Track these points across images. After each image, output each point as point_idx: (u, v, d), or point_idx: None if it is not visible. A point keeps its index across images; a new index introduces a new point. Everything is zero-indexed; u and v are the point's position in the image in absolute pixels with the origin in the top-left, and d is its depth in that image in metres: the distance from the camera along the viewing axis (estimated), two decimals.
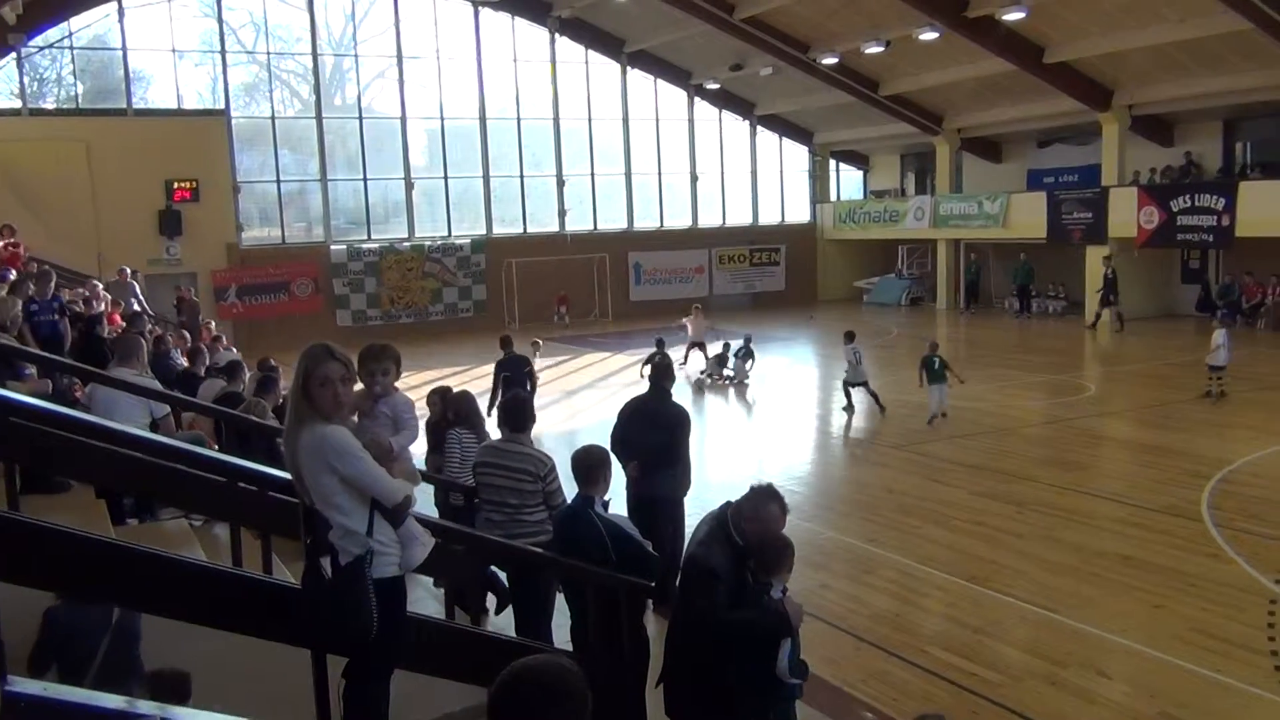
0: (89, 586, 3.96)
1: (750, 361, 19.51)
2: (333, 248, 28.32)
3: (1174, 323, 26.01)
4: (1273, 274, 24.11)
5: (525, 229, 31.31)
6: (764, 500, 4.86)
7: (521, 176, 31.25)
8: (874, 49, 26.24)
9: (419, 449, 9.15)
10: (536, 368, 18.00)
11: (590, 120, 32.16)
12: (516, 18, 30.45)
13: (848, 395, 16.33)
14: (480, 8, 29.47)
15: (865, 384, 16.08)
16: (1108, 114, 26.07)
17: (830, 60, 28.11)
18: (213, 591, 4.18)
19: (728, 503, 4.96)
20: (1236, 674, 6.69)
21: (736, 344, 19.58)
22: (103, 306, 13.70)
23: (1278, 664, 6.82)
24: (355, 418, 4.49)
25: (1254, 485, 11.23)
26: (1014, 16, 23.05)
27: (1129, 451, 13.58)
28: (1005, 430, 14.60)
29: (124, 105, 26.21)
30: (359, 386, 4.54)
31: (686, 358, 20.42)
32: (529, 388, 13.30)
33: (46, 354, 7.60)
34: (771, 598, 4.66)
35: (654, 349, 18.51)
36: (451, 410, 8.06)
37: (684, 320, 21.21)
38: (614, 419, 8.40)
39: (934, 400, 15.16)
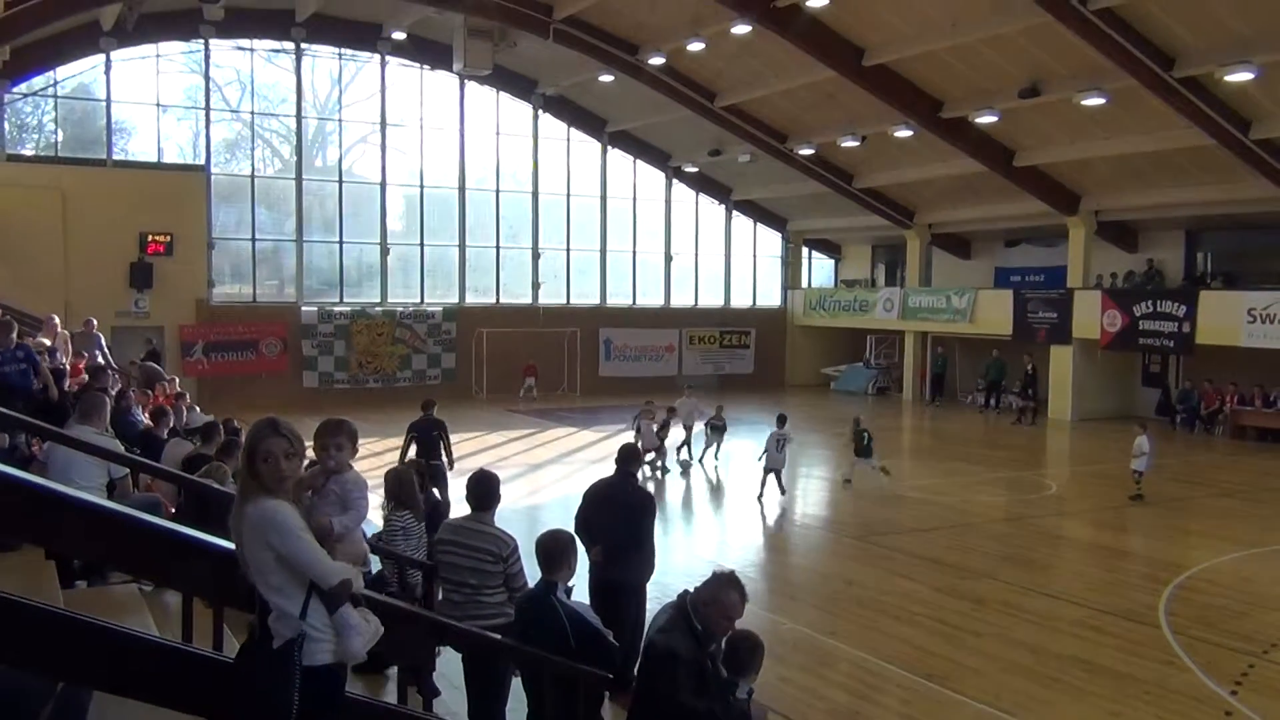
0: (18, 656, 3.85)
1: (718, 440, 19.35)
2: (304, 309, 28.21)
3: (1134, 425, 26.28)
4: (1231, 382, 24.53)
5: (498, 299, 31.39)
6: (724, 587, 4.85)
7: (498, 247, 31.42)
8: (850, 143, 26.84)
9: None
10: (666, 428, 18.56)
11: (569, 195, 32.51)
12: (501, 92, 30.89)
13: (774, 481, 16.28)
14: (466, 81, 29.89)
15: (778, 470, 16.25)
16: (1074, 218, 26.71)
17: (807, 151, 28.71)
18: (150, 665, 4.07)
19: (686, 591, 4.95)
20: None
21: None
22: (63, 358, 13.50)
23: None
24: (309, 493, 4.42)
25: (1210, 592, 11.29)
26: (986, 120, 23.71)
27: (1088, 552, 13.63)
28: (967, 525, 14.63)
29: (104, 156, 26.22)
30: (313, 459, 4.49)
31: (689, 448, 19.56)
32: (444, 452, 13.36)
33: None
34: (738, 697, 4.61)
35: (665, 415, 18.79)
36: (389, 489, 7.87)
37: (675, 403, 20.19)
38: (577, 496, 8.36)
39: (859, 466, 16.85)
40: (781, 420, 16.56)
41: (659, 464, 18.62)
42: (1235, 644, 9.46)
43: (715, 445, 19.44)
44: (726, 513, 16.39)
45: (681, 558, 12.53)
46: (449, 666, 6.44)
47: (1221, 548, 13.33)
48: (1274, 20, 17.89)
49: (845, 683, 8.51)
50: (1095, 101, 21.21)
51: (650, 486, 17.37)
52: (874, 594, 11.10)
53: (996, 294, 29.18)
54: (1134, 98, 20.82)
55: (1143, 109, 21.38)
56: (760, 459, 16.35)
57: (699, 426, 19.76)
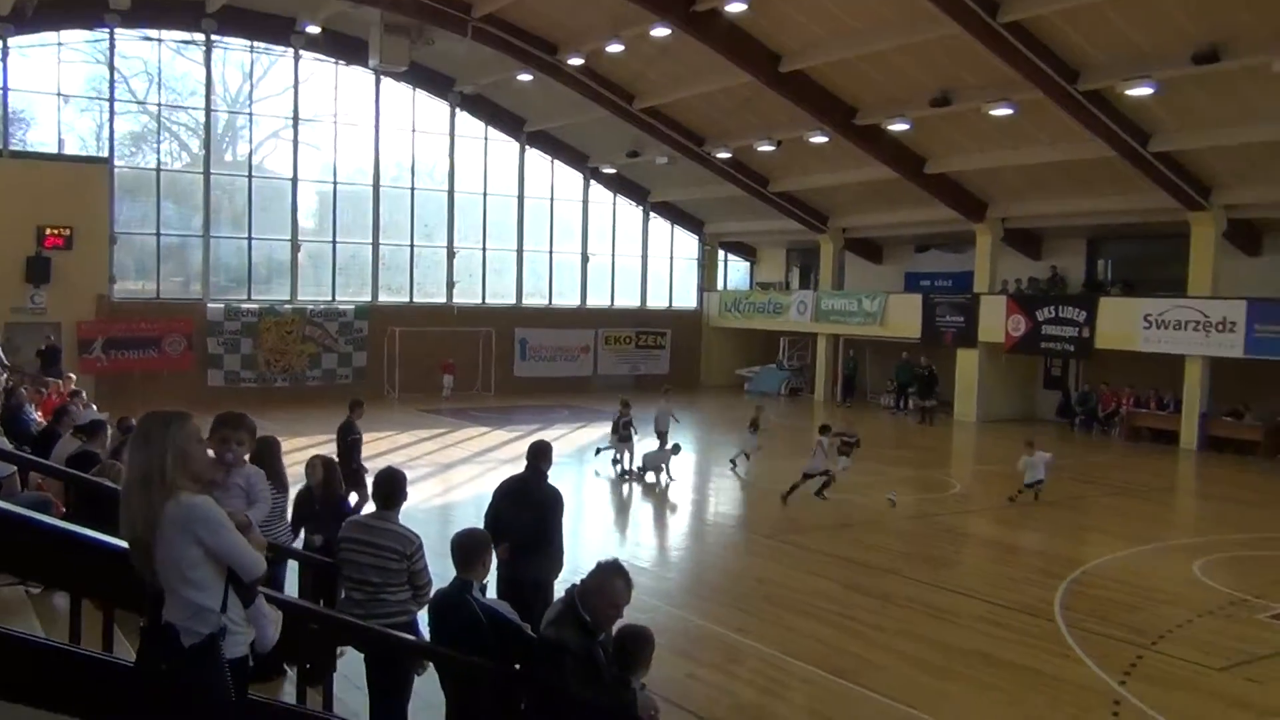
0: None
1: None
2: (210, 305, 27.54)
3: (1035, 426, 27.03)
4: (1127, 385, 25.41)
5: (412, 298, 31.04)
6: (609, 576, 4.88)
7: (412, 245, 31.07)
8: (766, 147, 27.17)
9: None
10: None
11: (485, 194, 32.27)
12: (418, 90, 30.55)
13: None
14: (382, 77, 29.49)
15: (820, 474, 15.90)
16: (982, 225, 27.39)
17: (724, 155, 28.96)
18: (37, 668, 3.94)
19: (574, 585, 4.96)
20: None
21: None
22: None
23: None
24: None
25: (1103, 587, 11.67)
26: (898, 128, 24.19)
27: (990, 549, 13.99)
28: (874, 524, 14.89)
29: None
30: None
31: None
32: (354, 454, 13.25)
33: None
34: (630, 690, 4.62)
35: (618, 413, 18.42)
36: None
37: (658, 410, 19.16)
38: (490, 495, 8.31)
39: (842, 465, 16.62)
40: (824, 429, 16.36)
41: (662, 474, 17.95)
42: (1126, 636, 9.79)
43: (752, 451, 18.90)
44: (646, 512, 16.42)
45: (594, 556, 12.51)
46: (351, 667, 6.33)
47: (1115, 544, 13.80)
48: (1173, 37, 18.57)
49: (754, 679, 8.59)
50: (1003, 112, 21.77)
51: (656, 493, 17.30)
52: (784, 591, 11.23)
53: (906, 298, 29.79)
54: (1040, 109, 21.43)
55: (1048, 120, 22.01)
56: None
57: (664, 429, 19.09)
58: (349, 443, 13.51)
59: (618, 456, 18.49)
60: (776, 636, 9.62)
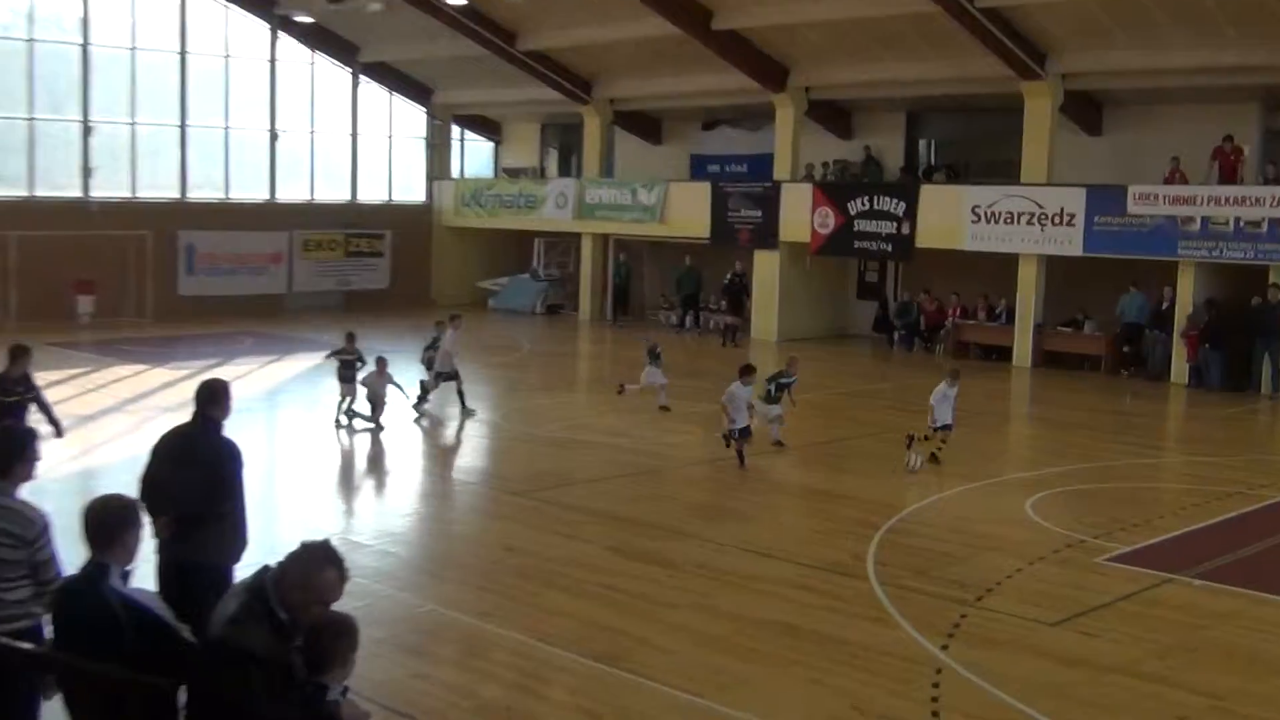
0: None
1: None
2: None
3: (849, 345, 28.34)
4: (953, 291, 26.88)
5: (32, 191, 29.29)
6: (317, 563, 4.74)
7: (31, 119, 29.27)
8: None
9: None
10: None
11: (134, 51, 30.66)
12: None
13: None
14: None
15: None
16: (782, 95, 28.17)
17: (457, 1, 28.36)
18: None
19: (265, 567, 4.81)
20: None
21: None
22: None
23: None
24: None
25: (921, 535, 12.46)
26: None
27: (795, 497, 14.65)
28: (654, 471, 15.28)
29: None
30: None
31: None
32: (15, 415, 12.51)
33: None
34: (328, 701, 4.54)
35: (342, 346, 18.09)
36: None
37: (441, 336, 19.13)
38: (145, 456, 7.97)
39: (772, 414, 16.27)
40: (747, 370, 16.41)
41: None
42: (948, 592, 10.49)
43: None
44: (367, 469, 16.23)
45: (289, 531, 12.25)
46: None
47: (939, 483, 14.74)
48: None
49: (501, 673, 8.67)
50: None
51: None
52: (539, 562, 11.36)
53: (692, 187, 30.43)
54: None
55: None
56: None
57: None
58: (7, 405, 12.68)
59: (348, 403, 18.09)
60: (530, 619, 9.72)
